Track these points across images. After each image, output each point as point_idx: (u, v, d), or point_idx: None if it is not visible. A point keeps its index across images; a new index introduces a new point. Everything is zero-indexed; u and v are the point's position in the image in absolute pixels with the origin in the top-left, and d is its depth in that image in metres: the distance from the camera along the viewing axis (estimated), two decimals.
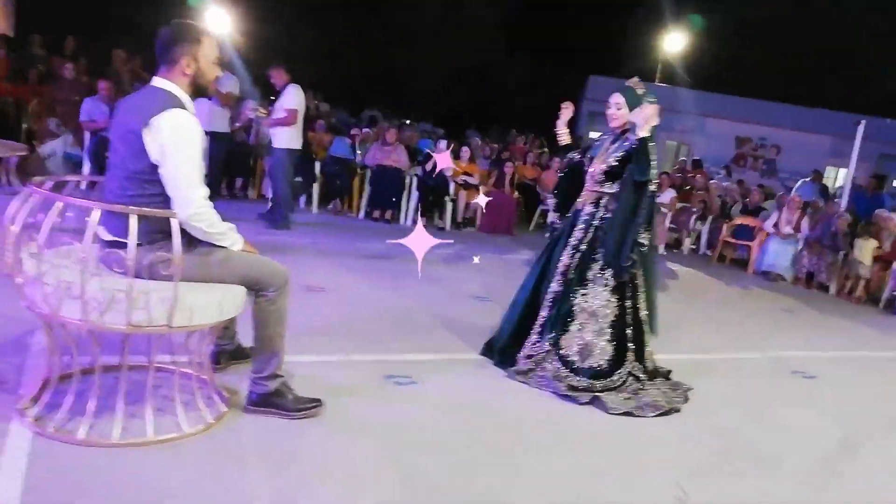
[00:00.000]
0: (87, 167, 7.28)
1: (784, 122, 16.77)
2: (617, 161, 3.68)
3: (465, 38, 18.68)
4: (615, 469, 2.88)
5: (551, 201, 4.38)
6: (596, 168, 3.79)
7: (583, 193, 3.90)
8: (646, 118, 3.47)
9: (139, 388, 2.60)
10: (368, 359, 3.70)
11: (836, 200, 11.22)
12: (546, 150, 11.70)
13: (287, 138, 6.63)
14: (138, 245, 2.45)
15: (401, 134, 9.02)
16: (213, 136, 6.44)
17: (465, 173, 8.96)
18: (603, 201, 3.78)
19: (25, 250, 2.44)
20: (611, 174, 3.72)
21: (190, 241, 2.56)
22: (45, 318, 2.45)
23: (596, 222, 3.76)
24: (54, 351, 2.60)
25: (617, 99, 3.76)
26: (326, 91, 12.27)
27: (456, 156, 8.97)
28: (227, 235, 2.63)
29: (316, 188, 8.40)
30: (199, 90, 2.64)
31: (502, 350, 3.91)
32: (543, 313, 3.83)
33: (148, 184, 2.49)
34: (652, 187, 3.57)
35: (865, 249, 8.24)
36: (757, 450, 3.28)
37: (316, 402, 2.91)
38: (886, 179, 15.54)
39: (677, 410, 3.57)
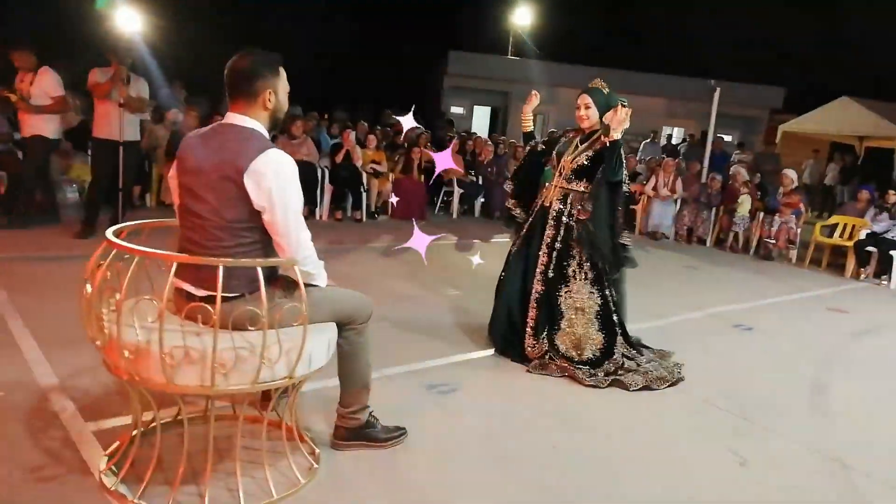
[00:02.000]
0: None
1: (625, 87, 18.14)
2: (588, 160, 3.86)
3: (321, 17, 18.14)
4: (667, 446, 3.18)
5: (509, 186, 4.40)
6: (566, 165, 3.93)
7: (549, 188, 4.04)
8: (620, 122, 3.65)
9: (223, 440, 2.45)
10: (400, 371, 3.70)
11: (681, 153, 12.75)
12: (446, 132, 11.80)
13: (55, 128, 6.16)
14: (240, 297, 2.31)
15: (307, 126, 8.69)
16: (125, 146, 5.85)
17: (374, 161, 8.87)
18: (570, 198, 3.92)
19: (113, 315, 2.18)
20: (580, 172, 3.89)
21: (287, 284, 2.43)
22: (148, 385, 2.22)
23: (565, 219, 3.92)
24: (136, 410, 2.40)
25: (586, 100, 3.92)
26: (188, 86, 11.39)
27: (361, 143, 8.84)
28: (322, 273, 2.52)
29: None
30: (273, 125, 2.47)
31: (517, 345, 4.04)
32: (531, 314, 3.99)
33: (246, 231, 2.32)
34: (625, 187, 3.85)
35: (745, 202, 9.34)
36: (766, 403, 3.75)
37: (401, 430, 2.90)
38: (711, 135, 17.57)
39: (682, 379, 3.95)
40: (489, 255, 5.28)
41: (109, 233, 2.33)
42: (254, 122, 2.37)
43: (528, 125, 4.26)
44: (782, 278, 7.68)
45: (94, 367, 3.28)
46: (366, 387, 2.74)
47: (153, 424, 2.45)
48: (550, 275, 3.93)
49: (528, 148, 4.29)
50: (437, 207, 9.99)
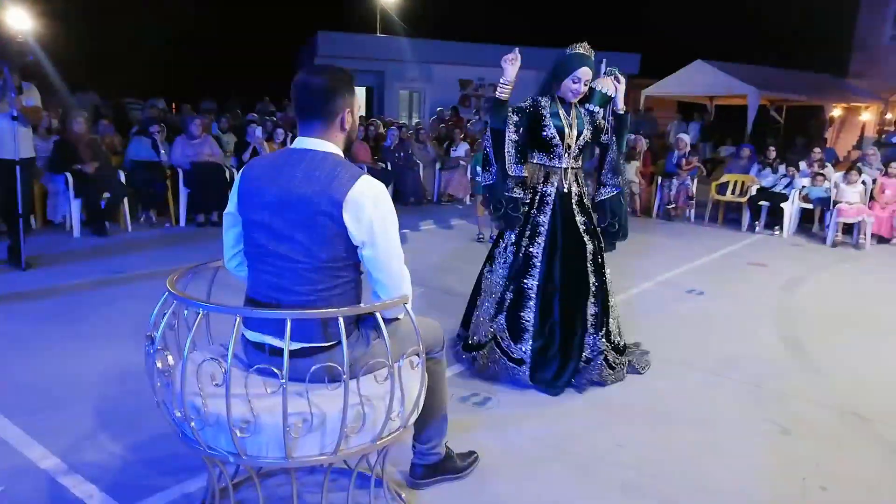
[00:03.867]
0: None
1: (497, 62, 18.43)
2: (591, 135, 3.64)
3: (174, 3, 16.68)
4: (713, 426, 3.28)
5: (489, 174, 3.65)
6: (571, 143, 3.58)
7: (557, 171, 3.60)
8: (622, 92, 3.63)
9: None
10: None
11: None
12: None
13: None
14: (337, 344, 2.04)
15: (205, 123, 7.96)
16: (22, 165, 5.04)
17: None
18: (579, 177, 3.68)
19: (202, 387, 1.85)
20: (583, 149, 3.65)
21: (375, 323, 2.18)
22: (256, 463, 1.90)
23: (586, 200, 3.68)
24: (214, 485, 2.09)
25: (587, 75, 3.55)
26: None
27: (270, 138, 8.28)
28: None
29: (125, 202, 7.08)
30: (346, 148, 2.17)
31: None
32: (591, 311, 3.61)
33: (343, 271, 2.04)
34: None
35: (633, 169, 9.80)
36: (763, 367, 3.97)
37: (474, 454, 2.75)
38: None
39: (648, 363, 3.92)
40: (421, 245, 5.13)
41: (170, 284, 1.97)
42: (333, 146, 2.08)
43: (507, 93, 3.51)
44: (696, 239, 8.19)
45: (90, 434, 2.84)
46: (445, 418, 2.55)
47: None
48: (599, 260, 3.69)
49: (508, 124, 3.52)
50: None
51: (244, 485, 2.42)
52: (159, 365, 1.94)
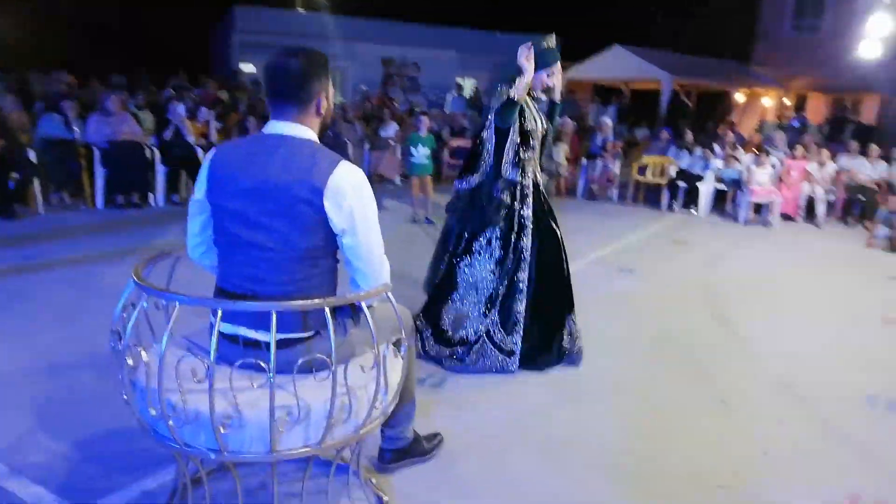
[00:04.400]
0: None
1: (420, 41, 18.36)
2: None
3: None
4: (660, 403, 3.44)
5: (466, 181, 3.66)
6: (540, 133, 3.64)
7: (529, 161, 3.59)
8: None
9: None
10: None
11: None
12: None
13: None
14: (315, 335, 2.01)
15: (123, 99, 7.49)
16: None
17: (203, 134, 7.99)
18: (538, 167, 3.70)
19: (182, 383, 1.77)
20: (543, 138, 3.70)
21: (353, 310, 2.15)
22: (238, 459, 1.84)
23: (542, 189, 3.72)
24: (184, 477, 2.03)
25: (559, 68, 3.66)
26: None
27: (192, 116, 7.91)
28: None
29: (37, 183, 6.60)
30: (321, 133, 2.11)
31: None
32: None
33: (321, 260, 2.00)
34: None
35: (562, 152, 10.02)
36: (701, 345, 4.19)
37: (437, 435, 2.78)
38: None
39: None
40: None
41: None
42: (310, 131, 2.01)
43: (522, 94, 3.43)
44: (620, 218, 8.49)
45: (29, 433, 2.67)
46: (414, 402, 2.55)
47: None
48: (565, 246, 3.75)
49: (514, 124, 3.49)
50: None
51: (213, 475, 2.34)
52: (130, 362, 1.84)
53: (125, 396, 1.89)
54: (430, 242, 6.07)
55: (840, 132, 14.18)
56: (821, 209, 8.85)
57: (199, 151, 7.61)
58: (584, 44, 17.93)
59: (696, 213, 9.07)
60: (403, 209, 7.84)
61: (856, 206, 8.98)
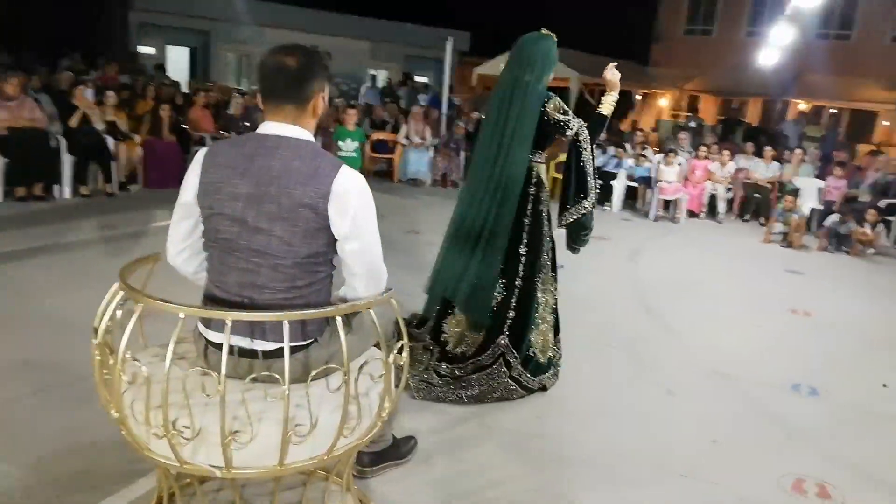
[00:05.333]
0: None
1: (332, 29, 18.00)
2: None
3: None
4: (612, 393, 3.60)
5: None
6: None
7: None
8: None
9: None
10: None
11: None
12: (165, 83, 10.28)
13: None
14: (313, 342, 1.97)
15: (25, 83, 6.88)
16: None
17: (111, 122, 7.49)
18: None
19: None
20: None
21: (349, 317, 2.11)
22: (241, 477, 1.78)
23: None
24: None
25: None
26: None
27: (100, 102, 7.40)
28: None
29: None
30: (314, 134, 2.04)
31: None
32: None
33: (321, 266, 1.95)
34: None
35: None
36: (632, 337, 4.40)
37: (412, 438, 2.79)
38: (411, 76, 18.57)
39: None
40: None
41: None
42: (307, 133, 1.94)
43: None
44: None
45: None
46: (396, 406, 2.54)
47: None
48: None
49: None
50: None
51: (186, 489, 2.24)
52: (126, 379, 1.72)
53: (115, 414, 1.77)
54: None
55: (731, 133, 15.21)
56: (721, 206, 9.48)
57: (109, 140, 7.16)
58: (497, 38, 18.23)
59: (609, 209, 9.47)
60: None
61: (752, 203, 9.67)
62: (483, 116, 3.98)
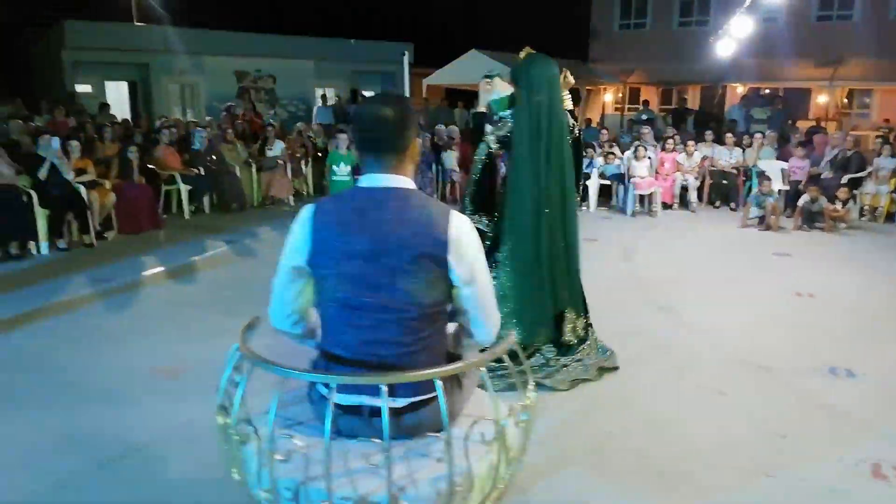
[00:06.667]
0: None
1: (274, 52, 17.74)
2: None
3: None
4: (653, 396, 3.64)
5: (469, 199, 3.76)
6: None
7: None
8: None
9: None
10: None
11: None
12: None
13: None
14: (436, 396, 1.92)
15: None
16: None
17: (80, 170, 7.18)
18: None
19: None
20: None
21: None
22: None
23: None
24: None
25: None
26: None
27: (64, 151, 7.09)
28: None
29: None
30: None
31: None
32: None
33: (440, 315, 1.93)
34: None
35: (453, 158, 10.20)
36: (651, 336, 4.47)
37: None
38: (359, 92, 18.53)
39: None
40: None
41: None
42: (410, 181, 1.92)
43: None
44: None
45: None
46: None
47: None
48: None
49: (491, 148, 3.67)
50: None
51: None
52: (279, 458, 1.65)
53: (237, 476, 1.70)
54: None
55: (682, 121, 15.64)
56: (693, 196, 9.74)
57: (82, 189, 6.87)
58: (440, 49, 18.34)
59: (586, 208, 9.60)
60: None
61: (720, 190, 9.96)
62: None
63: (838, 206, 8.16)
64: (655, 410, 3.41)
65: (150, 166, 8.22)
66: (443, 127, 10.97)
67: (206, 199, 8.95)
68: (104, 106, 12.91)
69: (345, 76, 19.79)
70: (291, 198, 9.64)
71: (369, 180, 1.89)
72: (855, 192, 8.77)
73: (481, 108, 4.17)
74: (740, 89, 18.89)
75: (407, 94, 11.87)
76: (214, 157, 9.08)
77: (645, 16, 21.70)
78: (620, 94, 21.59)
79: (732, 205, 9.69)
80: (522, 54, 3.77)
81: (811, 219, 8.28)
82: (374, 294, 1.81)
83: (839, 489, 2.71)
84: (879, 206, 8.84)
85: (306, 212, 1.90)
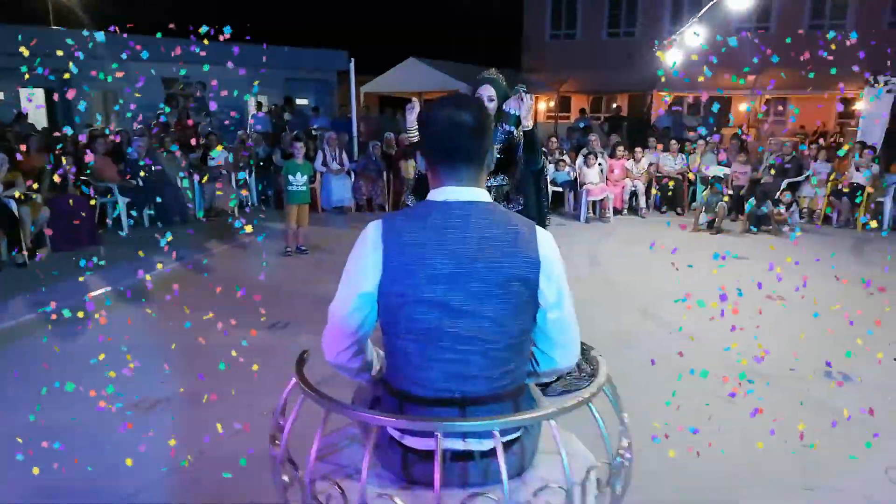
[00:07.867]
0: None
1: (205, 59, 16.97)
2: (501, 153, 3.73)
3: None
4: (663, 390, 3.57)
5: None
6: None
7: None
8: (529, 109, 3.78)
9: None
10: None
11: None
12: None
13: None
14: (524, 429, 1.74)
15: None
16: None
17: (8, 183, 6.56)
18: (492, 195, 3.64)
19: None
20: (497, 167, 3.73)
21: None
22: None
23: None
24: None
25: (489, 91, 3.71)
26: None
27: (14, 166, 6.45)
28: None
29: None
30: None
31: None
32: None
33: (525, 344, 1.73)
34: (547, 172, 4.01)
35: (411, 168, 9.99)
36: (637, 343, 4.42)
37: None
38: (293, 100, 18.04)
39: None
40: (230, 269, 4.58)
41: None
42: (487, 193, 1.73)
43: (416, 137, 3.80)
44: None
45: None
46: None
47: None
48: None
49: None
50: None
51: None
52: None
53: None
54: (319, 272, 5.74)
55: (617, 128, 15.99)
56: (642, 201, 9.91)
57: (12, 204, 6.27)
58: (378, 57, 18.09)
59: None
60: (268, 243, 7.20)
61: (665, 195, 10.17)
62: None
63: (781, 209, 8.45)
64: (671, 427, 3.31)
65: (84, 178, 7.63)
66: (392, 135, 10.73)
67: (144, 212, 8.39)
68: (20, 115, 11.99)
69: (277, 84, 19.20)
70: (236, 209, 9.19)
71: (444, 193, 1.68)
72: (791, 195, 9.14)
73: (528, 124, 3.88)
74: (666, 98, 19.53)
75: (353, 101, 11.62)
76: (153, 168, 8.53)
77: (575, 26, 22.19)
78: (552, 103, 21.93)
79: (678, 209, 9.91)
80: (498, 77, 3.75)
81: (758, 222, 8.54)
82: (457, 322, 1.59)
83: (877, 499, 2.69)
84: (817, 208, 9.24)
85: (373, 231, 1.67)
